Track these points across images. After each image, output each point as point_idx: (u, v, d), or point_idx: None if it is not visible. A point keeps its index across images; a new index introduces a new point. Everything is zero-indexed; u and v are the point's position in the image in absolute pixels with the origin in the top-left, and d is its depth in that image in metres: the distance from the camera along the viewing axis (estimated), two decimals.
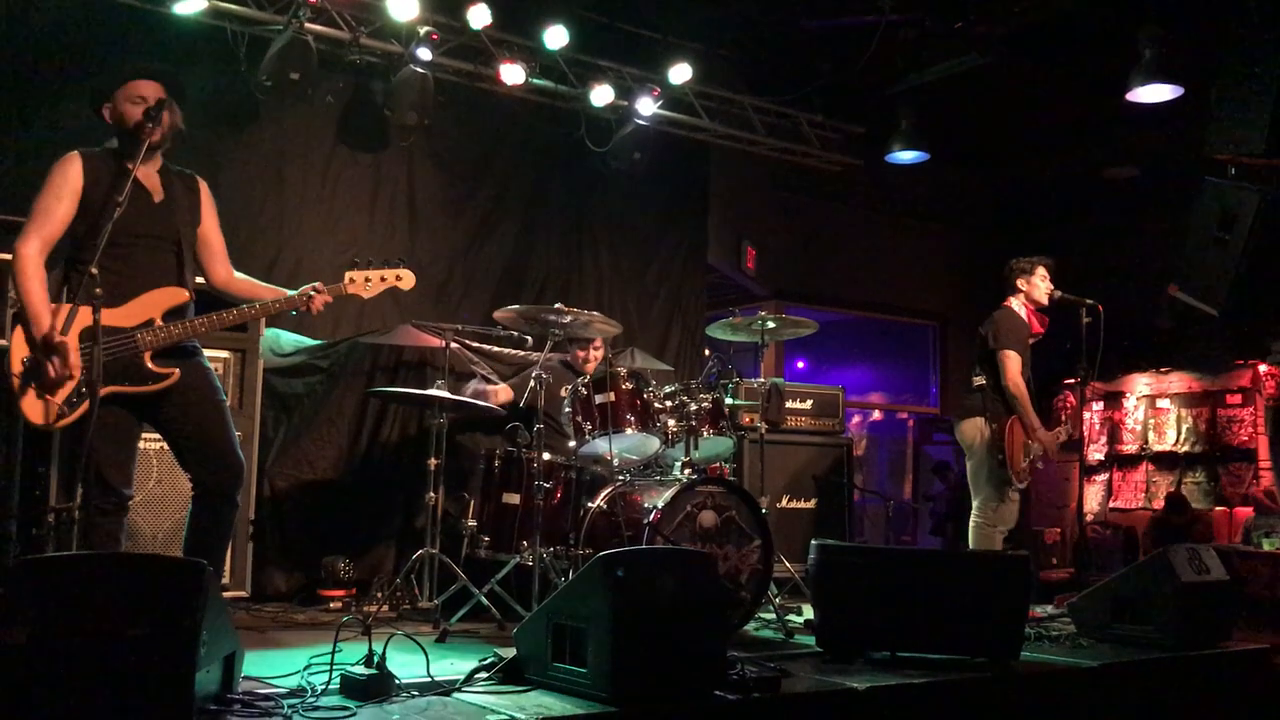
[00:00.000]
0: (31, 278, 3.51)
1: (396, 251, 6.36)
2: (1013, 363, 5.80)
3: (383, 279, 4.09)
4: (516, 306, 5.07)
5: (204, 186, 3.95)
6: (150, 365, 3.61)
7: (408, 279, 4.16)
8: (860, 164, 8.51)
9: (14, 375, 3.47)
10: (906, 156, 8.74)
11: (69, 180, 3.61)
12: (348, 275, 4.04)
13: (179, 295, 3.72)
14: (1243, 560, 6.88)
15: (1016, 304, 6.03)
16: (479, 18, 6.22)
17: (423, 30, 6.16)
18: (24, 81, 5.44)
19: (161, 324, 3.64)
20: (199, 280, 3.93)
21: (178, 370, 3.65)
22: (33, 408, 3.49)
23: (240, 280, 4.01)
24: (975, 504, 5.91)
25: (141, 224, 3.65)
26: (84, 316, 3.40)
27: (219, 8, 5.75)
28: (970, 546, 5.89)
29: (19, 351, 3.50)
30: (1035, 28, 7.54)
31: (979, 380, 5.95)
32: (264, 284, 4.04)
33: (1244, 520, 8.79)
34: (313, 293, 3.92)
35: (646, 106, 7.01)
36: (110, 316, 3.45)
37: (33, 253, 3.53)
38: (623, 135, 7.03)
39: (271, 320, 5.63)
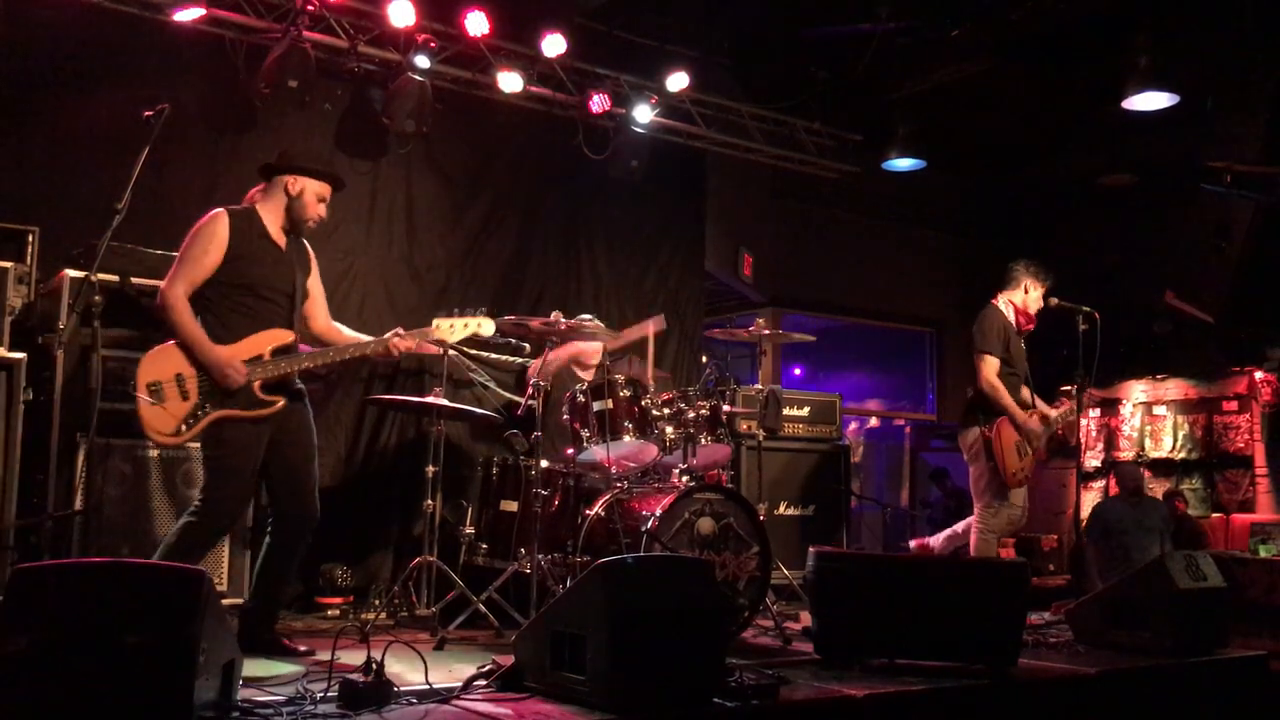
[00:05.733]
0: (184, 315, 4.03)
1: (393, 258, 6.44)
2: (988, 365, 5.84)
3: (466, 325, 4.55)
4: (513, 317, 5.08)
5: (310, 250, 4.48)
6: (259, 393, 4.11)
7: (487, 326, 4.59)
8: (857, 171, 8.52)
9: (140, 397, 3.95)
10: (903, 164, 8.78)
11: (216, 237, 4.12)
12: (435, 322, 4.52)
13: (285, 336, 4.23)
14: (1239, 566, 6.88)
15: (1003, 301, 6.04)
16: (477, 26, 6.24)
17: (421, 38, 6.17)
18: (23, 91, 5.43)
19: (270, 359, 4.14)
20: None
21: (283, 399, 4.16)
22: (157, 422, 3.99)
23: (335, 328, 4.52)
24: (976, 510, 5.93)
25: (272, 276, 4.21)
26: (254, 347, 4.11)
27: (217, 16, 5.76)
28: (971, 553, 5.90)
29: (147, 376, 3.98)
30: (1031, 36, 7.57)
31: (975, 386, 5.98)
32: (354, 332, 4.56)
33: (1240, 527, 8.79)
34: (394, 338, 4.37)
35: (644, 114, 7.02)
36: (227, 352, 4.07)
37: (180, 294, 4.05)
38: (620, 143, 7.04)
39: None
